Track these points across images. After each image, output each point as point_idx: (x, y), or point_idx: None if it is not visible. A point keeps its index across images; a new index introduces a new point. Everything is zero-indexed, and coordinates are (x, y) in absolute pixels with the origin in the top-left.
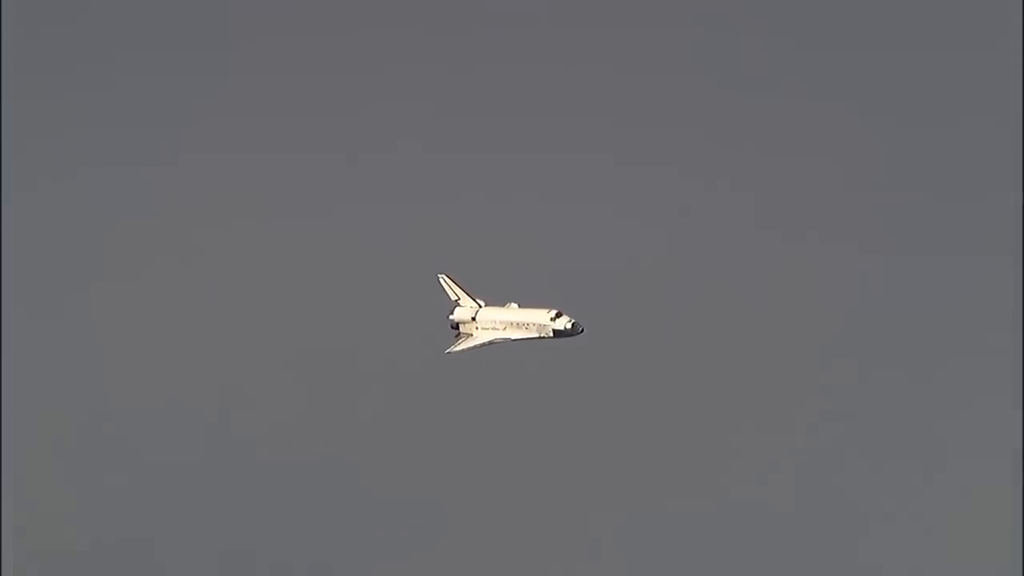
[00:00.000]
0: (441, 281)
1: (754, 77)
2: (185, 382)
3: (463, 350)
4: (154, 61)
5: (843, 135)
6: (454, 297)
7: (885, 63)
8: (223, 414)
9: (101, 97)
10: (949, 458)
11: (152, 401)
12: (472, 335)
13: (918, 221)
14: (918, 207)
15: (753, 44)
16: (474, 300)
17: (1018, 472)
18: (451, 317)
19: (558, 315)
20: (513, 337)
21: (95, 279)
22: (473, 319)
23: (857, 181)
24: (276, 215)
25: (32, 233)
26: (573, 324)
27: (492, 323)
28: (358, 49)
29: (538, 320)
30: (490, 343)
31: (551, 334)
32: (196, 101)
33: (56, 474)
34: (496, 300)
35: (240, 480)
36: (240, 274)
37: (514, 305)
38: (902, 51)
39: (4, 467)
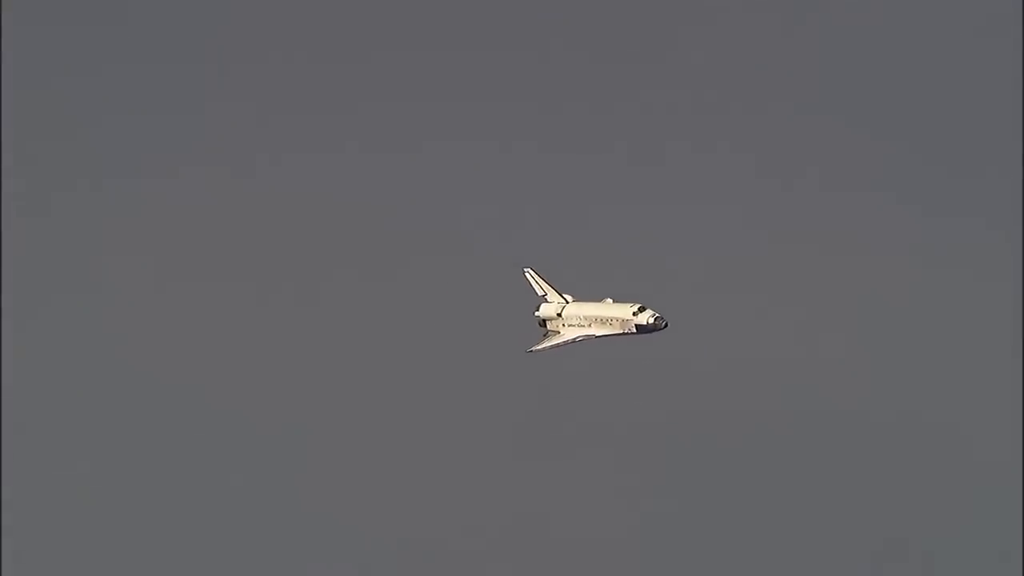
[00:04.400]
0: (527, 276)
1: None
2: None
3: (546, 348)
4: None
5: None
6: (540, 293)
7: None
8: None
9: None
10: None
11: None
12: (559, 332)
13: None
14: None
15: None
16: (560, 296)
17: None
18: (537, 314)
19: (641, 309)
20: (598, 334)
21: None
22: (559, 315)
23: None
24: (353, 208)
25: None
26: (656, 319)
27: (578, 319)
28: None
29: (621, 315)
30: (574, 340)
31: (634, 329)
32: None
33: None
34: (590, 296)
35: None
36: (319, 267)
37: (609, 300)
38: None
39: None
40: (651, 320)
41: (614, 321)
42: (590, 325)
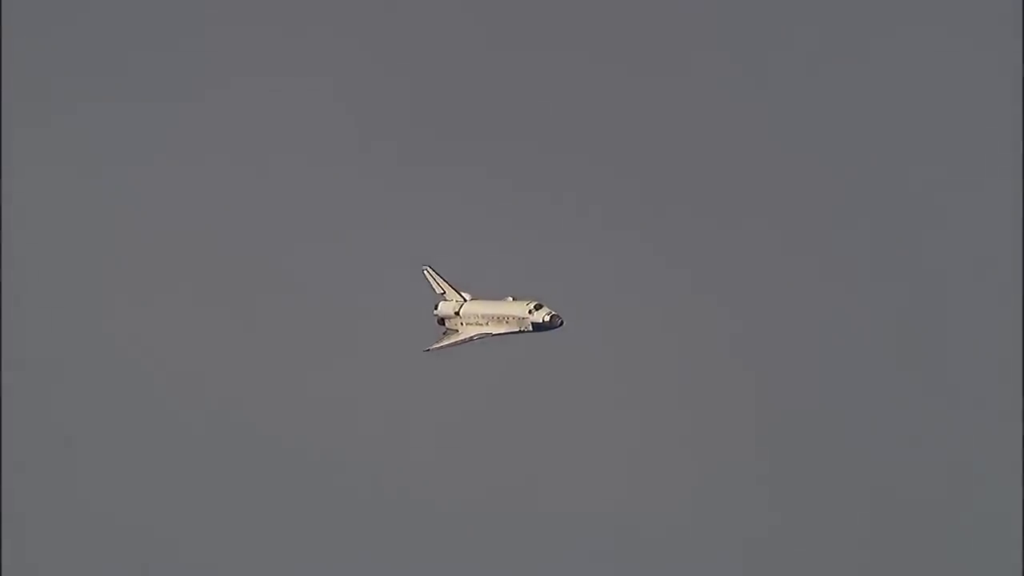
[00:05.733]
0: (425, 274)
1: None
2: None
3: (444, 346)
4: None
5: None
6: (439, 291)
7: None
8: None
9: None
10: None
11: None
12: (458, 330)
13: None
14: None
15: None
16: (459, 294)
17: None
18: (435, 312)
19: (537, 307)
20: (495, 332)
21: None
22: (457, 314)
23: None
24: (251, 207)
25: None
26: (552, 316)
27: (476, 318)
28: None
29: (517, 313)
30: (471, 339)
31: (531, 328)
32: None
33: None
34: (489, 294)
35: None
36: (210, 264)
37: (510, 298)
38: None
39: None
40: (547, 318)
41: (511, 319)
42: (488, 323)
